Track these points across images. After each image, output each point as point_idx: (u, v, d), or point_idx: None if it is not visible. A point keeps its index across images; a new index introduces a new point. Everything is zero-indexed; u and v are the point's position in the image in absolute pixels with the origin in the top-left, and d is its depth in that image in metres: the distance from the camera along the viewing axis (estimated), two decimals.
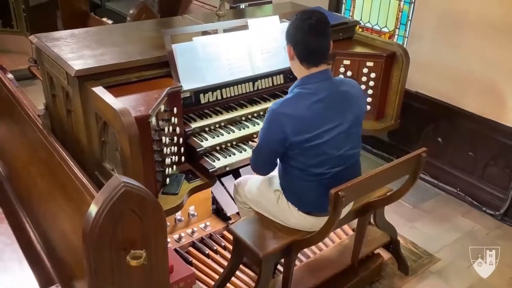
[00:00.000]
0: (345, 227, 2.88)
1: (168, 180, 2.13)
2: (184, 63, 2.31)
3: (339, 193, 1.83)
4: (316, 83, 1.99)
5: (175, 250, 2.62)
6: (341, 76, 2.86)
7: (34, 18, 5.08)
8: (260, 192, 2.29)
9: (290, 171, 2.09)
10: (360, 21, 4.06)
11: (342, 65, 2.85)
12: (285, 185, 2.17)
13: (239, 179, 2.50)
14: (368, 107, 2.86)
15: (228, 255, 2.63)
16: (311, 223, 2.15)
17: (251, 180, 2.41)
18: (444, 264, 2.91)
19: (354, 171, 2.11)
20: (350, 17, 4.09)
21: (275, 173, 2.36)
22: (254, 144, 2.41)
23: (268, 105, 2.65)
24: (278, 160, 2.14)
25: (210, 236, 2.79)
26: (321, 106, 1.96)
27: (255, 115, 2.61)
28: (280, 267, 2.51)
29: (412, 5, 3.66)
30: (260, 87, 2.69)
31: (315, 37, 1.96)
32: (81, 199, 1.90)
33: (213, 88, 2.47)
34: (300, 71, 2.05)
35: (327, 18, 2.02)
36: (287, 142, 1.96)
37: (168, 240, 2.62)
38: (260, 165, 2.16)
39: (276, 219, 2.24)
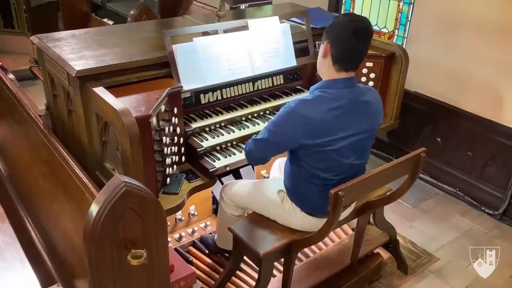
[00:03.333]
0: (345, 226, 2.90)
1: (168, 179, 2.14)
2: (185, 63, 2.32)
3: (339, 193, 1.84)
4: (338, 89, 1.96)
5: (176, 249, 2.63)
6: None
7: (35, 19, 5.10)
8: (262, 194, 2.28)
9: (297, 171, 2.08)
10: None
11: None
12: (290, 185, 2.17)
13: (226, 188, 2.45)
14: None
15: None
16: (313, 224, 2.16)
17: (243, 185, 2.39)
18: (443, 264, 2.92)
19: None
20: None
21: (277, 174, 2.36)
22: None
23: (268, 105, 2.67)
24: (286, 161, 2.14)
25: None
26: (339, 113, 1.93)
27: (255, 115, 2.62)
28: (280, 267, 2.52)
29: (412, 6, 3.68)
30: (260, 88, 2.70)
31: (357, 41, 1.91)
32: (82, 199, 1.92)
33: (213, 89, 2.49)
34: (328, 72, 2.00)
35: (372, 28, 1.98)
36: (296, 143, 1.94)
37: (169, 239, 2.63)
38: (259, 156, 2.11)
39: (278, 220, 2.25)
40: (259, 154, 2.10)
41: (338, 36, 1.93)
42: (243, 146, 2.41)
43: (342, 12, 4.22)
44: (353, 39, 1.90)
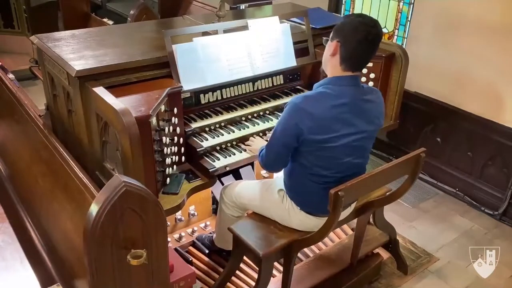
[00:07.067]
0: (345, 226, 2.90)
1: (168, 180, 2.14)
2: (185, 63, 2.32)
3: (339, 193, 1.84)
4: (342, 87, 1.96)
5: (176, 249, 2.63)
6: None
7: (35, 19, 5.10)
8: (262, 194, 2.28)
9: (297, 168, 2.08)
10: None
11: None
12: (289, 183, 2.17)
13: (226, 189, 2.45)
14: None
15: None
16: (312, 224, 2.16)
17: (243, 186, 2.39)
18: (443, 264, 2.92)
19: None
20: None
21: (277, 174, 2.35)
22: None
23: (268, 105, 2.67)
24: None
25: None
26: (341, 110, 1.94)
27: (255, 115, 2.62)
28: (280, 267, 2.52)
29: (411, 6, 3.68)
30: (260, 88, 2.70)
31: (368, 46, 1.92)
32: (82, 199, 1.92)
33: (213, 89, 2.49)
34: (334, 70, 2.00)
35: (382, 31, 1.98)
36: (301, 138, 1.94)
37: (169, 239, 2.63)
38: (273, 160, 2.10)
39: (278, 219, 2.25)
40: (271, 157, 2.09)
41: (350, 38, 1.92)
42: (243, 146, 2.42)
43: (341, 13, 4.23)
44: (364, 44, 1.91)
